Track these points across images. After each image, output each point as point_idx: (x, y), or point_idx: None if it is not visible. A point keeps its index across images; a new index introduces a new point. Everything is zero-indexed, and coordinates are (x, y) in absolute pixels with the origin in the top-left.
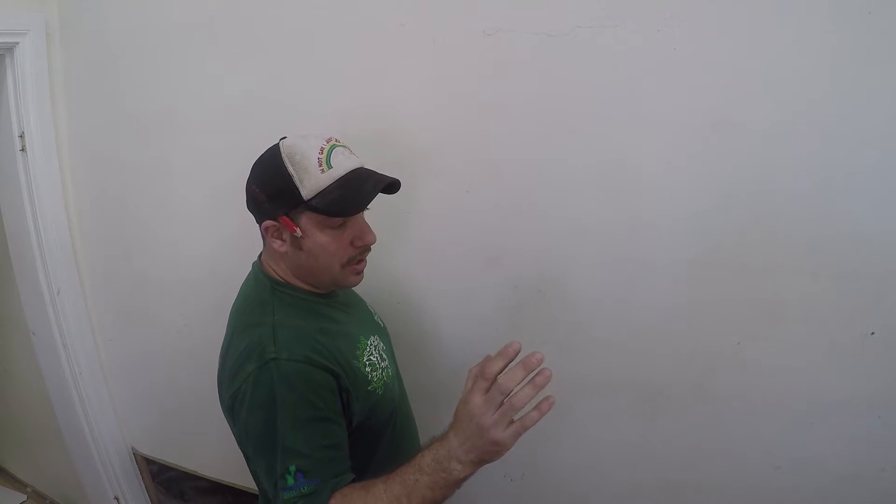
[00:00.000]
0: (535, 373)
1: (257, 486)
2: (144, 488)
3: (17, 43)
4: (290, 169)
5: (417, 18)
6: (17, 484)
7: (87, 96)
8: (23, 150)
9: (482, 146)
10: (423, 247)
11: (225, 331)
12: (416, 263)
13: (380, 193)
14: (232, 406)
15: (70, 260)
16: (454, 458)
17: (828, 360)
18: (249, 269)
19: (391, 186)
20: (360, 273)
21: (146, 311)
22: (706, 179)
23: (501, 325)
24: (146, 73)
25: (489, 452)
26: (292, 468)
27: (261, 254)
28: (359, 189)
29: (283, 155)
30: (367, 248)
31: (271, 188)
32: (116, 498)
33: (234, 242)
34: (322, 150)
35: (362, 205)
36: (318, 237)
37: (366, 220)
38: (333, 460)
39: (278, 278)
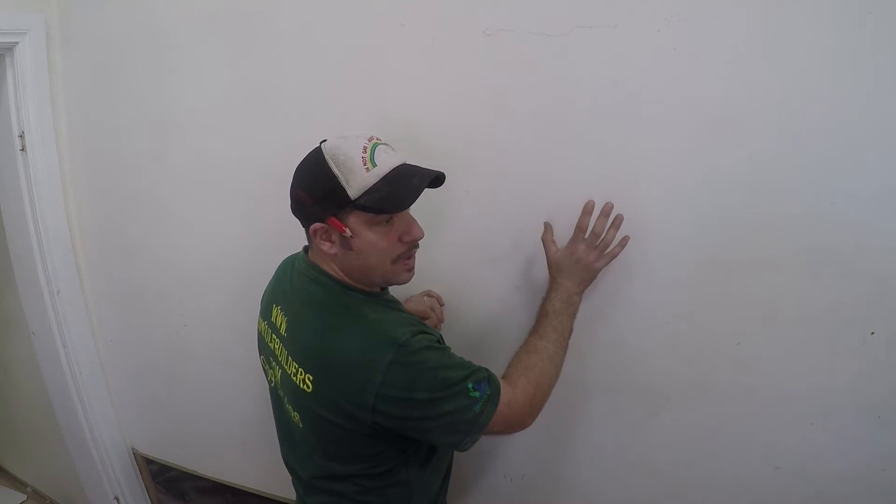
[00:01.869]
0: (612, 217)
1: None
2: (144, 488)
3: (17, 43)
4: (335, 170)
5: (417, 18)
6: (17, 484)
7: (87, 96)
8: (23, 150)
9: (482, 146)
10: (423, 247)
11: (286, 330)
12: (415, 264)
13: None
14: (385, 395)
15: (70, 260)
16: (573, 294)
17: (828, 360)
18: (250, 268)
19: (436, 180)
20: (411, 269)
21: (146, 312)
22: (706, 179)
23: (502, 324)
24: (146, 73)
25: (590, 280)
26: (469, 385)
27: (307, 254)
28: (406, 184)
29: (326, 157)
30: (415, 244)
31: (318, 191)
32: (116, 498)
33: (235, 242)
34: (365, 148)
35: (410, 200)
36: (367, 235)
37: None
38: (476, 363)
39: (342, 280)
